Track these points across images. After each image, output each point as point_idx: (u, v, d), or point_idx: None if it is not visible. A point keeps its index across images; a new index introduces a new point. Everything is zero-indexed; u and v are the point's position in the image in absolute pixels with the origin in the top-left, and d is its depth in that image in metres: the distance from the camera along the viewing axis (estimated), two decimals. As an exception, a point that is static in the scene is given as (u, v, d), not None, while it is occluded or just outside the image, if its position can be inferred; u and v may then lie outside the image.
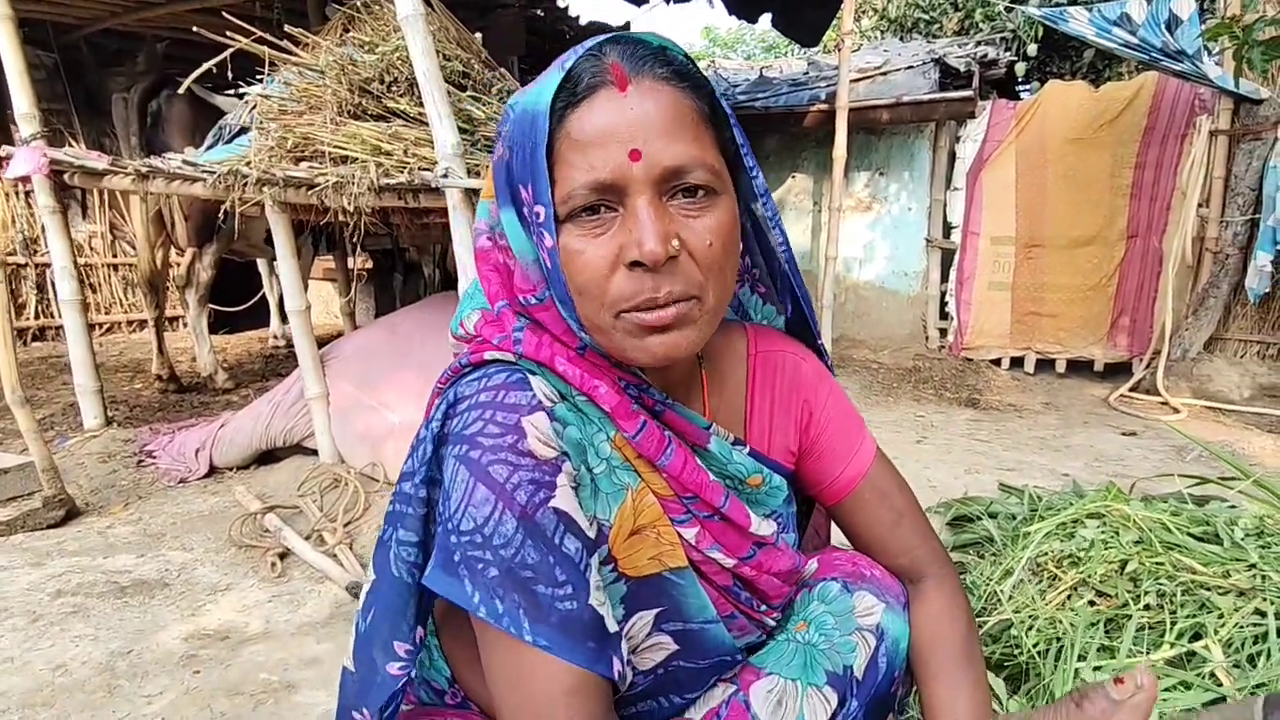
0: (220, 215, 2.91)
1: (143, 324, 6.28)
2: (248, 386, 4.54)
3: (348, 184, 2.27)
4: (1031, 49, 7.38)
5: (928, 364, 5.24)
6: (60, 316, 5.05)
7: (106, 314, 6.28)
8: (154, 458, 3.08)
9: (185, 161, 2.77)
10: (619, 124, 0.63)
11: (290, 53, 2.96)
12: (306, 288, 4.55)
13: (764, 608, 0.83)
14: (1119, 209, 4.99)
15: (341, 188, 2.28)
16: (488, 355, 0.73)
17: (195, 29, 3.88)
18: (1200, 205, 4.62)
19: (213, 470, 3.05)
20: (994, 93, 5.83)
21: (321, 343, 3.09)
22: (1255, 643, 1.09)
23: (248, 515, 2.49)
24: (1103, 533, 1.41)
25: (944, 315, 5.55)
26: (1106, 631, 1.20)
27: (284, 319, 5.49)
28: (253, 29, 2.97)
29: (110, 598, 2.06)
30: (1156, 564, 1.29)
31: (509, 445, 0.64)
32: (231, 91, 3.70)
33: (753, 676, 0.79)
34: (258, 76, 3.12)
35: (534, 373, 0.71)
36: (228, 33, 2.96)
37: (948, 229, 5.47)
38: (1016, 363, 5.30)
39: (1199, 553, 1.32)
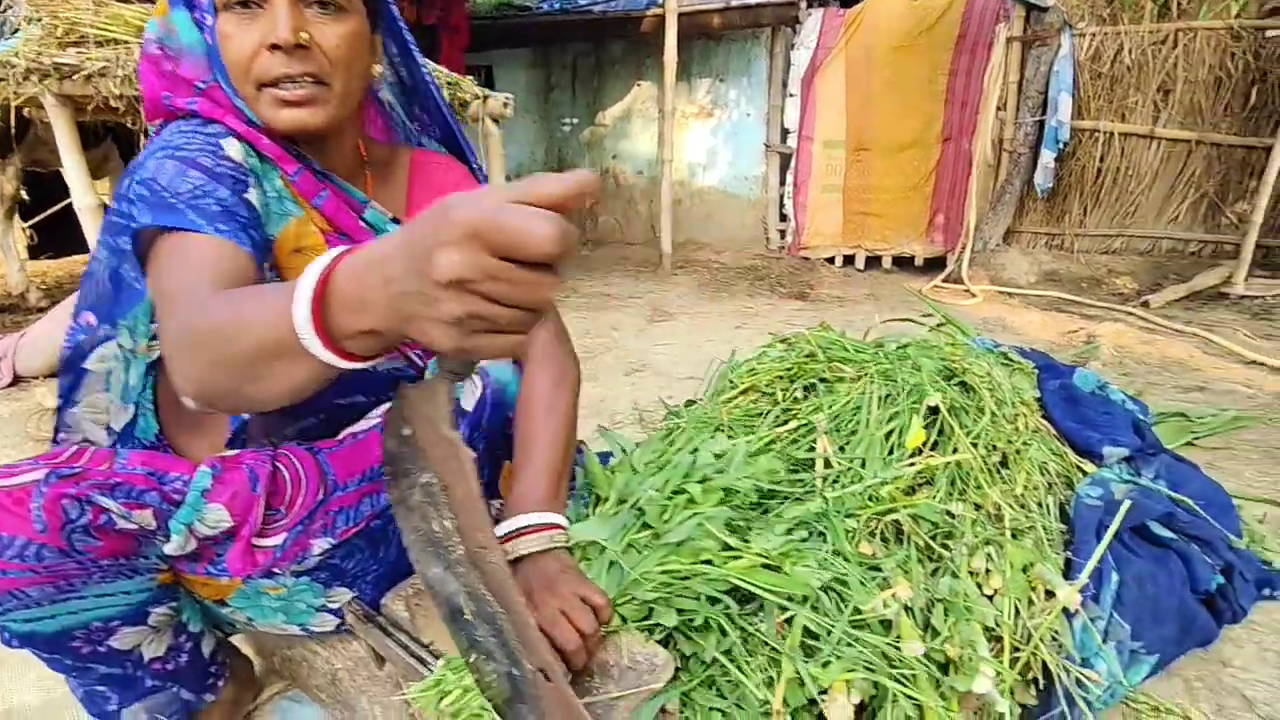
0: (13, 122, 2.74)
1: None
2: (67, 306, 4.32)
3: (112, 67, 2.21)
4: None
5: (766, 263, 5.58)
6: None
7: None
8: (-51, 370, 2.95)
9: (-59, 50, 2.58)
10: None
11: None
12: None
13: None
14: (935, 114, 5.37)
15: (107, 72, 2.22)
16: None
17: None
18: (999, 109, 5.07)
19: (16, 380, 2.96)
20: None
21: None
22: (853, 411, 1.39)
23: (45, 410, 2.48)
24: (784, 353, 1.69)
25: (783, 217, 5.85)
26: (758, 415, 1.47)
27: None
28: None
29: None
30: (812, 368, 1.58)
31: (210, 149, 0.82)
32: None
33: None
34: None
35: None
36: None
37: (785, 134, 5.73)
38: (849, 260, 5.71)
39: (852, 361, 1.61)
